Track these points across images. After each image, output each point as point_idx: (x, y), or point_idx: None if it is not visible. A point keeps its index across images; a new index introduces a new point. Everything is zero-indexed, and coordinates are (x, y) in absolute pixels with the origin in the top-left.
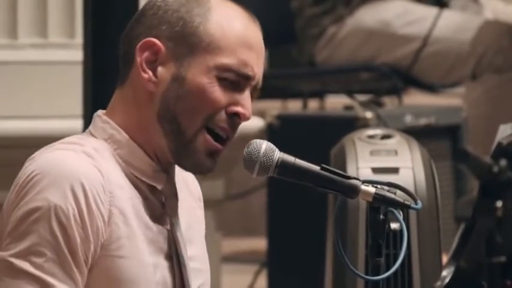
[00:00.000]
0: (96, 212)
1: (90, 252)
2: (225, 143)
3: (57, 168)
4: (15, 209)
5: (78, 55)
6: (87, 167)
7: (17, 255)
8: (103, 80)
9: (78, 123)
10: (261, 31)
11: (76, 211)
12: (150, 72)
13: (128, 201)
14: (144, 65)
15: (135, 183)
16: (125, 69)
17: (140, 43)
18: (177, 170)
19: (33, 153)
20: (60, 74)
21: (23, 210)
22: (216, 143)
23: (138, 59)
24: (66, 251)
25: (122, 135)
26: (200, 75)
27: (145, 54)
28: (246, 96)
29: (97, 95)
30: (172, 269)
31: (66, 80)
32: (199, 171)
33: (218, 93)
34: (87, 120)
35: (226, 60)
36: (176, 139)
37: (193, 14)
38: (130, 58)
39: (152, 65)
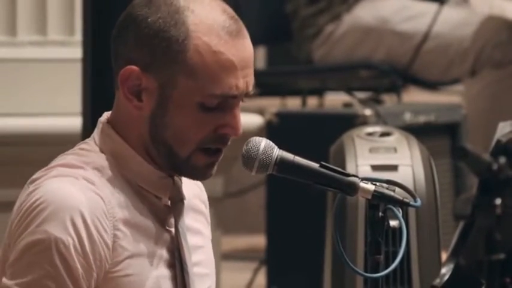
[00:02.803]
0: (99, 241)
1: (93, 279)
2: (220, 153)
3: (58, 199)
4: (18, 238)
5: (77, 52)
6: (87, 195)
7: (23, 286)
8: (102, 78)
9: (77, 120)
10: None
11: (77, 242)
12: (135, 99)
13: (132, 218)
14: (127, 93)
15: (140, 191)
16: (115, 77)
17: (121, 72)
18: None
19: (32, 151)
20: (60, 72)
21: (25, 242)
22: (212, 158)
23: (121, 87)
24: (68, 281)
25: (124, 147)
26: (183, 104)
27: (127, 82)
28: (233, 114)
29: (96, 93)
30: (174, 278)
31: (66, 77)
32: (200, 180)
33: (203, 122)
34: (87, 117)
35: (209, 89)
36: (172, 160)
37: (172, 41)
38: (116, 71)
39: (135, 89)
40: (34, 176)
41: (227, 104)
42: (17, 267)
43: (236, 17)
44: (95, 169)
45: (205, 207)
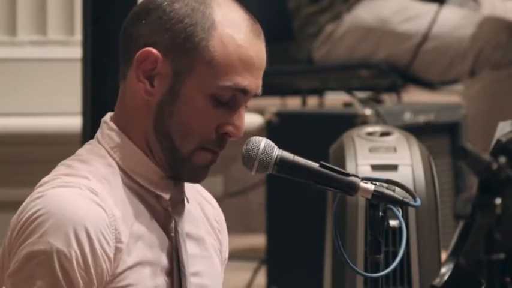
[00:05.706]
0: (101, 254)
1: None
2: (217, 156)
3: (62, 210)
4: (19, 248)
5: (77, 52)
6: (92, 208)
7: None
8: (102, 77)
9: (77, 120)
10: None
11: (79, 255)
12: (147, 82)
13: (134, 228)
14: (141, 75)
15: (140, 194)
16: (124, 65)
17: (139, 53)
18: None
19: (32, 151)
20: (59, 71)
21: (26, 252)
22: (212, 158)
23: (136, 68)
24: None
25: (128, 144)
26: (195, 93)
27: (143, 64)
28: (239, 114)
29: (96, 92)
30: (171, 285)
31: (65, 77)
32: (195, 181)
33: (209, 116)
34: (87, 117)
35: (225, 80)
36: (172, 155)
37: (197, 29)
38: (129, 56)
39: (149, 73)
40: (42, 180)
41: (235, 102)
42: (18, 277)
43: (256, 21)
44: (99, 177)
45: (217, 224)
